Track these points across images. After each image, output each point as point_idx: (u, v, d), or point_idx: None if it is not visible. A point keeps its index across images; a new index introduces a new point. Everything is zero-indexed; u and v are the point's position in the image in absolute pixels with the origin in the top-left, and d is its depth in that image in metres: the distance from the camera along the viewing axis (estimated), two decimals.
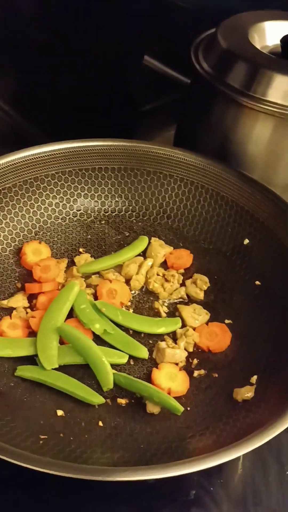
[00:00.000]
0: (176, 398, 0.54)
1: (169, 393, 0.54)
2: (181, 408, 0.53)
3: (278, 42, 0.74)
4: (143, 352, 0.59)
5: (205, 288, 0.65)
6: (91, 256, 0.68)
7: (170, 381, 0.55)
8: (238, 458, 0.57)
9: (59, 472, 0.41)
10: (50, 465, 0.41)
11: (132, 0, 0.98)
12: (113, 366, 0.57)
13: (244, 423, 0.49)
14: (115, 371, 0.56)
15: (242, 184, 0.68)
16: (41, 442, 0.48)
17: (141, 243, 0.69)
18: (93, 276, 0.66)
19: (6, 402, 0.52)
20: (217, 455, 0.43)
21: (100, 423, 0.52)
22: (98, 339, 0.60)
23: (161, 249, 0.68)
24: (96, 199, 0.72)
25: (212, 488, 0.55)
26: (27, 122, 1.02)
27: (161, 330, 0.60)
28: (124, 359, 0.58)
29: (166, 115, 1.03)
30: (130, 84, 1.11)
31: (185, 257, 0.68)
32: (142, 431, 0.51)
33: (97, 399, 0.54)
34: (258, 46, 0.74)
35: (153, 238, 0.69)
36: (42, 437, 0.48)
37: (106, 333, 0.60)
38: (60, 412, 0.52)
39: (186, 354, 0.59)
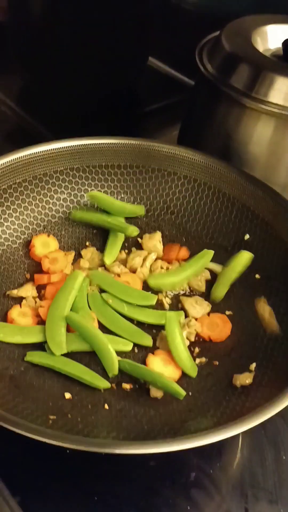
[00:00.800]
0: (179, 383, 0.57)
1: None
2: (183, 393, 0.55)
3: (280, 45, 0.76)
4: (147, 340, 0.61)
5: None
6: (97, 250, 0.71)
7: (163, 367, 0.58)
8: (236, 443, 0.60)
9: (68, 444, 0.43)
10: (58, 437, 0.44)
11: (137, 2, 1.00)
12: (118, 353, 0.59)
13: (243, 406, 0.52)
14: (120, 358, 0.59)
15: (243, 182, 0.70)
16: (50, 421, 0.50)
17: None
18: (99, 268, 0.69)
19: (16, 384, 0.55)
20: (216, 432, 0.45)
21: (106, 406, 0.55)
22: (105, 328, 0.62)
23: (160, 245, 0.71)
24: None
25: (211, 471, 0.57)
26: (33, 120, 1.04)
27: (164, 321, 0.63)
28: (129, 347, 0.60)
29: (170, 116, 1.05)
30: (135, 85, 1.13)
31: (176, 249, 0.71)
32: (146, 414, 0.54)
33: (103, 384, 0.56)
34: (260, 49, 0.76)
35: (149, 234, 0.72)
36: (51, 417, 0.51)
37: (112, 323, 0.62)
38: (68, 395, 0.55)
39: (188, 343, 0.62)
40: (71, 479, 0.56)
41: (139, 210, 0.73)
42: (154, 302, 0.64)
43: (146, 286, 0.68)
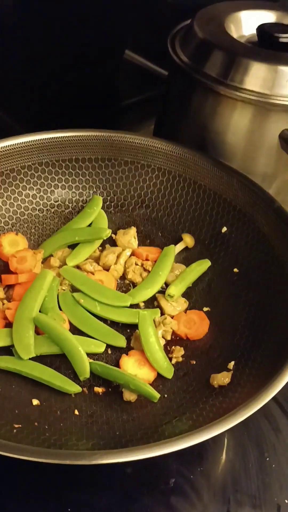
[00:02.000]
0: (153, 385, 0.54)
1: None
2: (158, 395, 0.52)
3: (254, 31, 0.74)
4: (120, 341, 0.58)
5: None
6: (68, 247, 0.68)
7: (138, 368, 0.55)
8: (219, 446, 0.57)
9: (34, 458, 0.40)
10: (25, 451, 0.41)
11: None
12: (91, 355, 0.57)
13: (220, 407, 0.49)
14: (91, 360, 0.56)
15: (219, 172, 0.67)
16: (15, 431, 0.47)
17: (204, 264, 0.66)
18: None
19: None
20: (191, 436, 0.42)
21: (76, 412, 0.52)
22: (77, 330, 0.59)
23: (135, 240, 0.68)
24: (73, 190, 0.71)
25: (192, 476, 0.54)
26: (7, 116, 1.01)
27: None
28: (101, 348, 0.58)
29: (148, 109, 1.02)
30: (111, 78, 1.11)
31: (154, 251, 0.68)
32: (118, 419, 0.51)
33: (74, 388, 0.53)
34: (234, 36, 0.74)
35: (123, 230, 0.70)
36: (16, 426, 0.48)
37: (84, 324, 0.59)
38: (35, 402, 0.52)
39: (164, 342, 0.59)
40: (42, 491, 0.53)
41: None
42: (128, 303, 0.61)
43: (122, 282, 0.65)
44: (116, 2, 0.99)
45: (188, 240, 0.67)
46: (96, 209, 0.70)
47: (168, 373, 0.55)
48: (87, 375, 0.54)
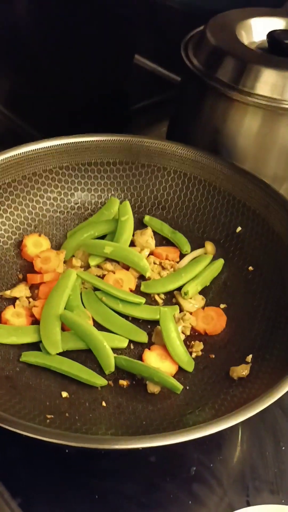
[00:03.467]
0: (175, 378, 0.57)
1: None
2: (180, 387, 0.55)
3: (265, 38, 0.77)
4: (142, 336, 0.61)
5: None
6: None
7: (160, 362, 0.58)
8: (236, 436, 0.60)
9: (67, 442, 0.43)
10: (59, 436, 0.44)
11: (123, 1, 1.00)
12: (114, 350, 0.59)
13: (240, 398, 0.52)
14: (116, 355, 0.58)
15: (233, 174, 0.70)
16: (48, 421, 0.50)
17: (205, 259, 0.68)
18: (92, 267, 0.68)
19: (13, 385, 0.54)
20: (215, 423, 0.45)
21: (104, 403, 0.54)
22: (100, 326, 0.62)
23: (152, 240, 0.71)
24: (92, 192, 0.74)
25: (211, 465, 0.57)
26: (21, 121, 1.03)
27: (159, 316, 0.63)
28: (124, 343, 0.60)
29: (158, 113, 1.05)
30: (122, 83, 1.13)
31: (172, 251, 0.71)
32: (144, 409, 0.53)
33: (100, 381, 0.56)
34: (245, 42, 0.76)
35: (140, 231, 0.72)
36: (49, 416, 0.51)
37: (107, 321, 0.62)
38: (65, 394, 0.55)
39: (183, 337, 0.61)
40: (71, 479, 0.55)
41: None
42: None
43: (142, 280, 0.68)
44: (126, 8, 1.01)
45: (209, 248, 0.69)
46: (112, 211, 0.72)
47: (189, 366, 0.58)
48: (112, 369, 0.57)
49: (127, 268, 0.68)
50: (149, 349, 0.60)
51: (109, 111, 1.05)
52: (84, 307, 0.63)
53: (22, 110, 1.06)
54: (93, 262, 0.68)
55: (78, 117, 0.99)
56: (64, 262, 0.68)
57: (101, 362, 0.58)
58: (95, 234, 0.70)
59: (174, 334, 0.59)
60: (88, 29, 0.96)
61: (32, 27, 0.96)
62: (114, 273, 0.67)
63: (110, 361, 0.57)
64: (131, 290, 0.66)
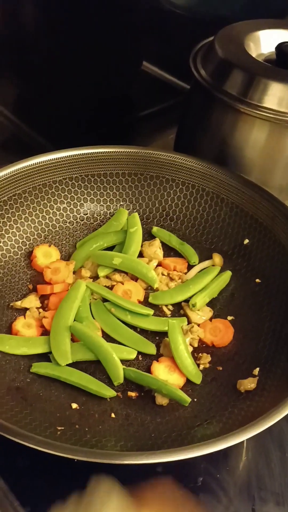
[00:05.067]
0: (183, 390, 0.58)
1: None
2: (188, 399, 0.56)
3: (273, 50, 0.77)
4: (151, 348, 0.62)
5: None
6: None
7: (168, 374, 0.59)
8: (242, 446, 0.61)
9: (78, 457, 0.44)
10: (70, 450, 0.45)
11: (131, 8, 1.01)
12: (123, 361, 0.60)
13: (248, 411, 0.52)
14: (124, 366, 0.59)
15: (241, 186, 0.71)
16: (58, 433, 0.51)
17: (213, 271, 0.69)
18: (101, 278, 0.69)
19: (23, 396, 0.55)
20: (223, 439, 0.46)
21: (113, 415, 0.55)
22: (109, 337, 0.63)
23: (160, 251, 0.72)
24: (101, 203, 0.75)
25: (218, 475, 0.58)
26: (29, 128, 1.04)
27: (167, 328, 0.63)
28: (133, 355, 0.61)
29: (165, 120, 1.06)
30: (130, 90, 1.14)
31: (180, 262, 0.72)
32: (152, 421, 0.54)
33: (109, 392, 0.57)
34: (253, 54, 0.77)
35: (148, 242, 0.73)
36: (59, 428, 0.52)
37: (115, 332, 0.63)
38: (74, 405, 0.56)
39: (191, 349, 0.62)
40: (80, 488, 0.56)
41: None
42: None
43: (150, 291, 0.69)
44: (133, 14, 1.02)
45: (217, 260, 0.70)
46: (121, 222, 0.74)
47: (197, 378, 0.59)
48: (121, 380, 0.58)
49: (135, 279, 0.69)
50: (158, 361, 0.60)
51: (116, 118, 1.06)
52: (93, 317, 0.64)
53: (29, 117, 1.06)
54: (102, 273, 0.68)
55: (85, 123, 1.00)
56: (74, 272, 0.69)
57: (110, 373, 0.59)
58: (104, 245, 0.71)
59: (182, 347, 0.60)
60: (96, 36, 0.97)
61: (39, 35, 0.97)
62: (123, 284, 0.68)
63: (119, 372, 0.58)
64: (139, 301, 0.67)
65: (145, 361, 0.61)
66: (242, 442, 0.60)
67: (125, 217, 0.74)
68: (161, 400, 0.57)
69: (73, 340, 0.61)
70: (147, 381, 0.57)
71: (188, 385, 0.59)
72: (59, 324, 0.61)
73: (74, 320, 0.63)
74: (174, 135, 0.89)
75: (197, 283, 0.67)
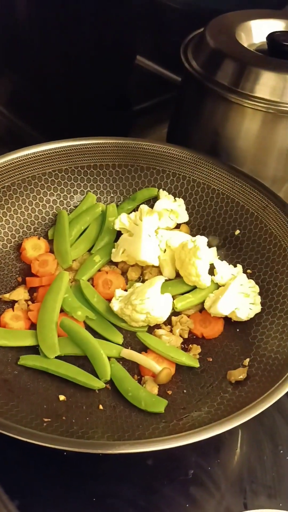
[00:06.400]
0: (173, 381, 0.57)
1: (153, 376, 0.57)
2: (163, 406, 0.54)
3: (265, 39, 0.76)
4: (118, 338, 0.61)
5: None
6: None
7: (158, 364, 0.58)
8: (234, 439, 0.60)
9: (63, 447, 0.43)
10: (54, 440, 0.44)
11: (124, 2, 1.00)
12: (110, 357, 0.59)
13: (237, 401, 0.52)
14: (113, 361, 0.59)
15: (232, 176, 0.70)
16: (45, 424, 0.50)
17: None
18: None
19: (10, 388, 0.55)
20: (211, 428, 0.45)
21: (100, 407, 0.54)
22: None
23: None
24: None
25: (209, 468, 0.57)
26: (23, 123, 1.04)
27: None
28: (119, 339, 0.61)
29: (160, 114, 1.05)
30: (123, 84, 1.13)
31: None
32: (141, 413, 0.54)
33: (98, 384, 0.56)
34: (245, 44, 0.76)
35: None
36: (46, 420, 0.51)
37: (88, 319, 0.63)
38: (62, 397, 0.55)
39: (181, 340, 0.62)
40: (69, 481, 0.56)
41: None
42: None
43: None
44: (126, 8, 1.01)
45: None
46: (89, 205, 0.73)
47: (193, 362, 0.59)
48: (108, 377, 0.57)
49: (126, 270, 0.69)
50: (146, 352, 0.60)
51: (110, 112, 1.05)
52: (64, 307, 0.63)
53: (23, 111, 1.06)
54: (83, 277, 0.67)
55: (79, 118, 0.99)
56: None
57: (97, 370, 0.58)
58: (81, 228, 0.71)
59: (161, 344, 0.59)
60: (89, 30, 0.96)
61: (33, 29, 0.96)
62: (107, 273, 0.67)
63: (106, 369, 0.57)
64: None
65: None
66: (234, 434, 0.60)
67: (93, 200, 0.73)
68: (151, 390, 0.56)
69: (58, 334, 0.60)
70: (127, 384, 0.56)
71: (178, 376, 0.58)
72: (44, 317, 0.61)
73: (66, 311, 0.62)
74: (167, 128, 0.89)
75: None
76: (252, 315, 0.61)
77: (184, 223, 0.72)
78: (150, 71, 1.19)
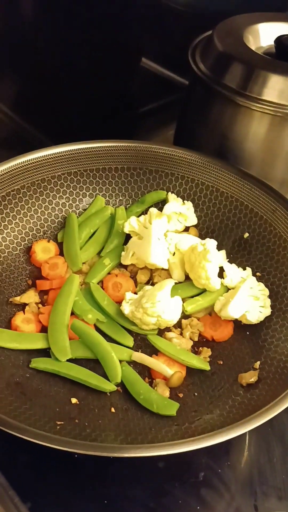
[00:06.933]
0: (184, 384, 0.57)
1: (164, 379, 0.58)
2: (175, 408, 0.54)
3: (272, 43, 0.77)
4: (129, 341, 0.62)
5: None
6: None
7: (169, 367, 0.58)
8: (244, 441, 0.60)
9: (78, 450, 0.43)
10: (69, 444, 0.44)
11: (130, 5, 1.00)
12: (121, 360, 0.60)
13: (248, 404, 0.52)
14: (124, 364, 0.59)
15: (240, 179, 0.70)
16: (58, 427, 0.50)
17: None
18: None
19: (23, 391, 0.55)
20: (224, 432, 0.45)
21: (112, 409, 0.55)
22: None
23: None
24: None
25: (220, 470, 0.57)
26: (29, 126, 1.04)
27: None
28: (130, 342, 0.61)
29: (165, 116, 1.05)
30: (129, 86, 1.13)
31: None
32: (153, 416, 0.54)
33: (109, 387, 0.56)
34: (253, 48, 0.76)
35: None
36: (59, 423, 0.51)
37: (99, 322, 0.63)
38: (74, 400, 0.55)
39: (191, 343, 0.62)
40: (80, 484, 0.56)
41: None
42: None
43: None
44: (132, 11, 1.02)
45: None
46: (98, 208, 0.73)
47: (204, 365, 0.59)
48: (119, 380, 0.57)
49: (135, 273, 0.69)
50: (157, 355, 0.60)
51: (116, 114, 1.05)
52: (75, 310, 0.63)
53: (29, 114, 1.06)
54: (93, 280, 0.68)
55: (85, 120, 0.99)
56: None
57: (108, 372, 0.58)
58: (90, 231, 0.71)
59: (172, 347, 0.60)
60: (95, 32, 0.97)
61: (39, 32, 0.97)
62: (116, 276, 0.67)
63: (117, 372, 0.57)
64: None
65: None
66: (244, 436, 0.60)
67: (102, 203, 0.74)
68: (162, 393, 0.56)
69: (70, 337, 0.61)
70: (138, 387, 0.57)
71: (189, 379, 0.59)
72: (56, 320, 0.61)
73: (76, 314, 0.62)
74: (174, 131, 0.89)
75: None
76: (262, 318, 0.61)
77: (193, 226, 0.72)
78: (155, 73, 1.19)
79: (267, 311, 0.62)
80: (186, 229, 0.73)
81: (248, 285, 0.63)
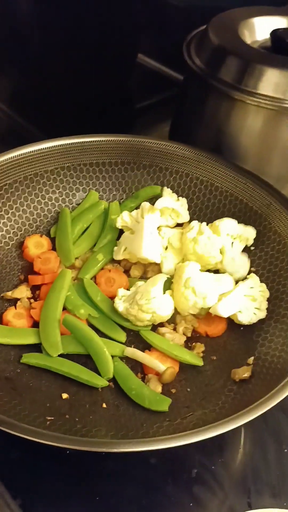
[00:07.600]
0: (177, 379, 0.57)
1: (157, 375, 0.57)
2: (167, 404, 0.54)
3: (268, 36, 0.76)
4: (121, 336, 0.61)
5: None
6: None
7: (161, 362, 0.58)
8: (238, 438, 0.59)
9: (66, 445, 0.43)
10: (58, 439, 0.44)
11: (126, 1, 1.00)
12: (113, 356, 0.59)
13: (242, 400, 0.51)
14: (116, 360, 0.58)
15: (235, 174, 0.70)
16: (48, 422, 0.50)
17: None
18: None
19: (13, 386, 0.54)
20: (215, 427, 0.45)
21: (104, 405, 0.54)
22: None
23: None
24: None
25: (213, 467, 0.57)
26: (25, 121, 1.03)
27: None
28: (122, 337, 0.61)
29: (161, 111, 1.05)
30: (125, 82, 1.13)
31: None
32: (144, 411, 0.53)
33: (101, 382, 0.56)
34: (248, 41, 0.76)
35: None
36: (49, 418, 0.50)
37: (91, 317, 0.62)
38: (65, 395, 0.55)
39: (184, 338, 0.61)
40: (72, 480, 0.55)
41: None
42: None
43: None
44: (128, 7, 1.01)
45: None
46: (92, 203, 0.73)
47: (197, 360, 0.58)
48: (111, 375, 0.57)
49: (129, 268, 0.68)
50: (149, 350, 0.59)
51: (112, 110, 1.05)
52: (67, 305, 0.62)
53: (25, 110, 1.06)
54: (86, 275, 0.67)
55: (81, 116, 0.99)
56: None
57: (100, 368, 0.57)
58: (84, 226, 0.71)
59: (165, 342, 0.59)
60: (91, 28, 0.96)
61: (35, 28, 0.96)
62: (109, 271, 0.67)
63: (109, 367, 0.57)
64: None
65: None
66: (238, 433, 0.59)
67: (95, 198, 0.73)
68: (154, 388, 0.55)
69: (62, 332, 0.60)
70: (130, 382, 0.56)
71: (182, 375, 0.58)
72: (47, 315, 0.60)
73: (68, 309, 0.61)
74: (170, 126, 0.88)
75: None
76: (255, 320, 0.60)
77: (186, 222, 0.72)
78: (151, 69, 1.19)
79: (262, 314, 0.60)
80: (179, 226, 0.72)
81: (247, 285, 0.62)
